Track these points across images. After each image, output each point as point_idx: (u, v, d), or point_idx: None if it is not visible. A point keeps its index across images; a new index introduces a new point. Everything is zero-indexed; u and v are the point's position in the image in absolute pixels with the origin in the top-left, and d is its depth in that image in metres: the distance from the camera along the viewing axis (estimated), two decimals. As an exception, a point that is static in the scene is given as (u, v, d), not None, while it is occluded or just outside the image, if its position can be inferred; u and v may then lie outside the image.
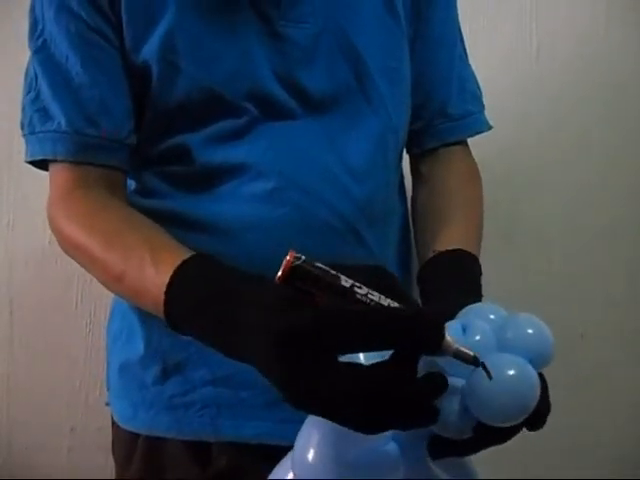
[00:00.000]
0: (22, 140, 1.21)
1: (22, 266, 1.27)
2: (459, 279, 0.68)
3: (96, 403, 1.26)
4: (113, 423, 0.83)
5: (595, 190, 1.22)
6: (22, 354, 1.27)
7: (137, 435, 0.78)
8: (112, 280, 0.64)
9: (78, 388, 1.28)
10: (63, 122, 0.70)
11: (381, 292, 0.46)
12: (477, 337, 0.49)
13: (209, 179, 0.73)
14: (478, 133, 0.87)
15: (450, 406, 0.48)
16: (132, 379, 0.79)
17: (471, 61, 0.90)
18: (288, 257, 0.45)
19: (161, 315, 0.56)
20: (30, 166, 1.19)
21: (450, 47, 0.85)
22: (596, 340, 1.21)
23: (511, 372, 0.47)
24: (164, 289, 0.54)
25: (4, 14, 1.21)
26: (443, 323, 0.46)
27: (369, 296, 0.45)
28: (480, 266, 0.70)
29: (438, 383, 0.46)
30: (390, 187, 0.81)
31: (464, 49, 0.88)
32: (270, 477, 0.58)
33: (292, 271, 0.45)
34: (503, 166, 1.15)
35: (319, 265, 0.45)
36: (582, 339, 1.21)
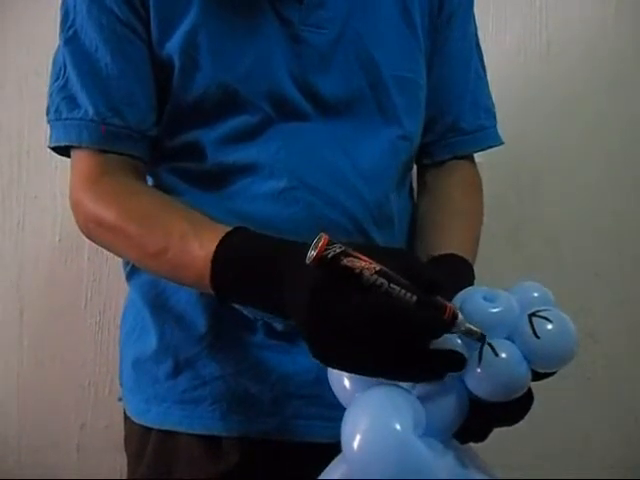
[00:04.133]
0: (32, 141, 1.24)
1: (32, 266, 1.27)
2: (451, 279, 0.68)
3: (105, 401, 1.27)
4: (126, 418, 0.84)
5: (602, 188, 1.22)
6: (32, 353, 1.28)
7: (149, 430, 0.79)
8: (150, 257, 0.67)
9: (87, 386, 1.28)
10: (90, 110, 0.71)
11: (404, 276, 0.50)
12: (501, 305, 0.54)
13: (222, 177, 0.74)
14: (490, 147, 0.88)
15: (519, 361, 0.53)
16: (145, 374, 0.80)
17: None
18: (321, 243, 0.49)
19: (203, 285, 0.60)
20: (39, 166, 1.23)
21: (466, 63, 0.86)
22: (604, 340, 1.21)
23: (550, 327, 0.54)
24: (210, 259, 0.59)
25: (20, 16, 1.23)
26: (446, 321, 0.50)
27: (389, 290, 0.49)
28: (473, 272, 0.71)
29: (454, 360, 0.52)
30: (401, 191, 0.82)
31: (482, 62, 0.89)
32: (321, 476, 0.58)
33: (321, 260, 0.49)
34: (509, 163, 1.15)
35: (346, 260, 0.49)
36: (590, 339, 1.21)
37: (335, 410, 0.75)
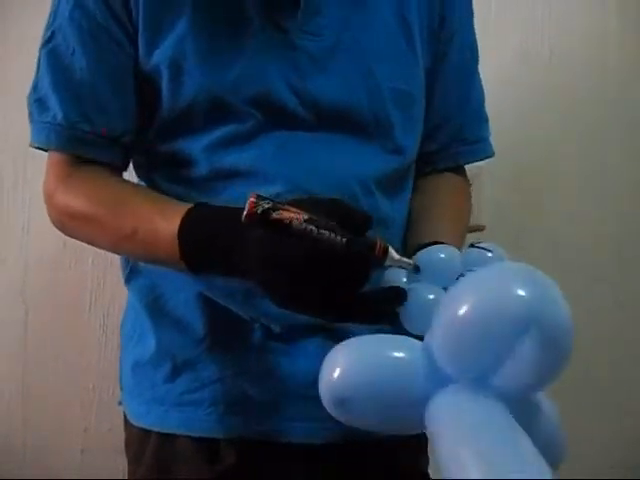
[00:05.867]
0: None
1: (36, 269, 1.28)
2: None
3: (109, 404, 1.27)
4: (126, 422, 0.84)
5: (602, 193, 1.22)
6: (36, 356, 1.29)
7: (149, 433, 0.79)
8: (123, 239, 0.70)
9: (91, 389, 1.29)
10: (59, 115, 0.72)
11: (336, 221, 0.56)
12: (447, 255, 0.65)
13: (217, 183, 0.74)
14: (487, 158, 0.90)
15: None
16: (144, 377, 0.80)
17: (484, 63, 0.90)
18: (249, 201, 0.55)
19: (176, 260, 0.64)
20: (44, 171, 1.23)
21: (470, 73, 0.87)
22: (605, 341, 1.21)
23: None
24: (177, 234, 0.63)
25: (20, 16, 1.23)
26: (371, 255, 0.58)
27: (318, 235, 0.55)
28: None
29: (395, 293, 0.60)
30: (394, 199, 0.82)
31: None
32: None
33: (252, 216, 0.55)
34: (511, 169, 1.16)
35: (275, 214, 0.55)
36: (592, 342, 1.21)
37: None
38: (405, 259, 0.60)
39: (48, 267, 1.28)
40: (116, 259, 1.23)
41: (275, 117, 0.73)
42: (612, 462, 1.20)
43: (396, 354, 0.55)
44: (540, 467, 0.44)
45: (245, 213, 0.55)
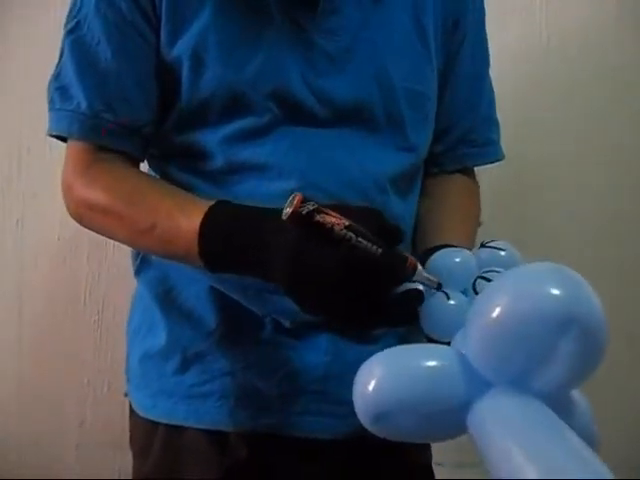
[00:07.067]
0: (31, 139, 1.24)
1: (31, 264, 1.28)
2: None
3: (104, 399, 1.27)
4: (131, 414, 0.84)
5: (605, 188, 1.22)
6: (31, 351, 1.29)
7: (156, 425, 0.80)
8: (141, 234, 0.70)
9: (86, 384, 1.29)
10: (83, 103, 0.72)
11: (373, 233, 0.57)
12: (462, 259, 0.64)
13: (232, 176, 0.75)
14: (495, 161, 0.90)
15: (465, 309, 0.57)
16: (152, 369, 0.81)
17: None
18: (296, 201, 0.55)
19: (192, 257, 0.65)
20: (39, 165, 1.23)
21: (481, 76, 0.88)
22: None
23: None
24: (197, 231, 0.64)
25: (21, 15, 1.23)
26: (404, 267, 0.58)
27: (357, 243, 0.56)
28: None
29: (413, 295, 0.60)
30: (406, 197, 0.82)
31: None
32: None
33: (296, 216, 0.55)
34: (511, 164, 1.15)
35: (319, 217, 0.56)
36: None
37: (341, 406, 0.76)
38: (431, 276, 0.60)
39: (42, 262, 1.27)
40: (111, 254, 1.24)
41: (291, 113, 0.74)
42: (616, 462, 1.20)
43: (432, 363, 0.54)
44: (598, 466, 0.45)
45: (290, 211, 0.55)
